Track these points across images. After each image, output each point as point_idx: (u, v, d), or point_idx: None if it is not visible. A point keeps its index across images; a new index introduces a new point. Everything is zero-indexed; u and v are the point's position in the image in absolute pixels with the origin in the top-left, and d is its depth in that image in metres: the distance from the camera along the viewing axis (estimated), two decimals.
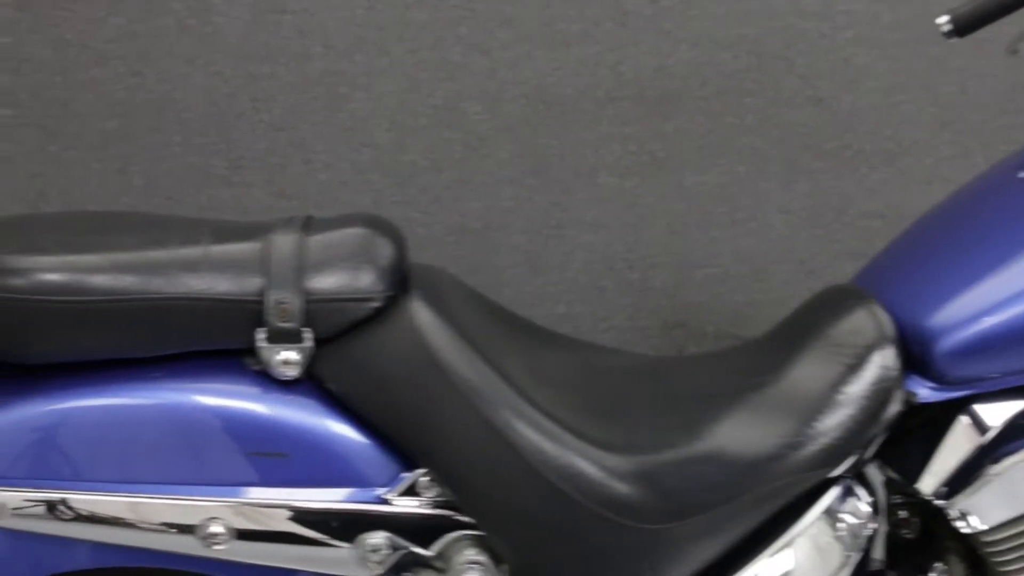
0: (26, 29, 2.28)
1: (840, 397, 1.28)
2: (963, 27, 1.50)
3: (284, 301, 1.17)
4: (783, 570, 1.30)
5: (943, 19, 1.49)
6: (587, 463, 1.20)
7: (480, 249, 2.37)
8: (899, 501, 1.37)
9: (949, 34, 1.50)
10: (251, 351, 1.20)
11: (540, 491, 1.20)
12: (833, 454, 1.27)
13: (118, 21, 2.29)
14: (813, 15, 2.31)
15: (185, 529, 1.19)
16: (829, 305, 1.36)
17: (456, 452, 1.20)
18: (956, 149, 2.37)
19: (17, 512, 1.18)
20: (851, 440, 1.28)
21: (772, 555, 1.29)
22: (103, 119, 2.33)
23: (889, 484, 1.37)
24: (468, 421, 1.19)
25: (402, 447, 1.21)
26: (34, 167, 2.35)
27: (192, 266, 1.18)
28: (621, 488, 1.20)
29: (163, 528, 1.19)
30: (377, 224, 1.24)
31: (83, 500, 1.18)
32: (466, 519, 1.22)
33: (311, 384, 1.21)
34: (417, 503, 1.21)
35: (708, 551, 1.27)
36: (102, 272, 1.17)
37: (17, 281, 1.16)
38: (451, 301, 1.26)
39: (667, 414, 1.29)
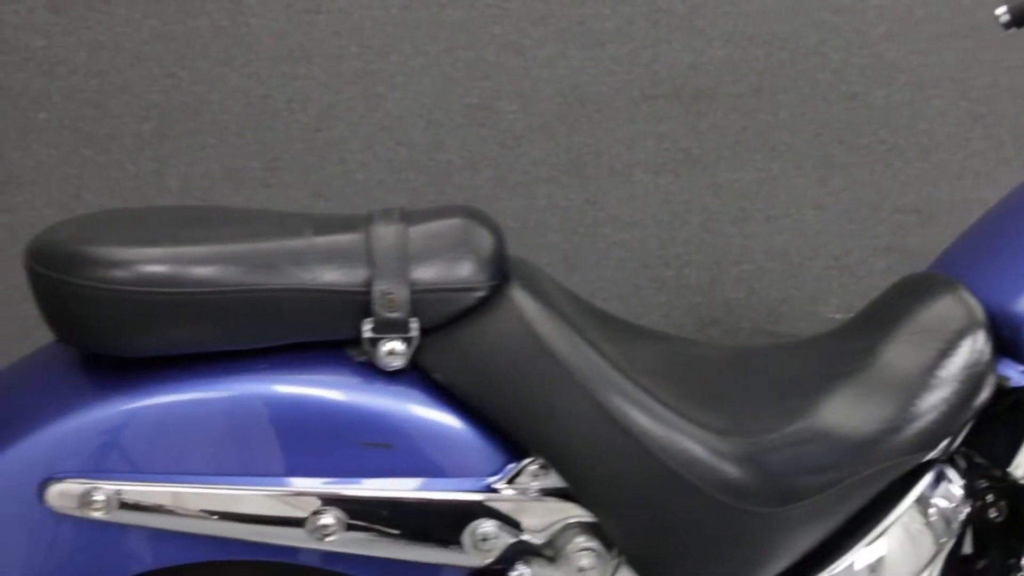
0: (60, 32, 2.28)
1: (934, 381, 1.28)
2: (1021, 18, 1.51)
3: (391, 291, 1.16)
4: (878, 558, 1.30)
5: (1001, 10, 1.50)
6: (701, 448, 1.20)
7: (517, 248, 2.31)
8: (984, 485, 1.37)
9: (1007, 25, 1.50)
10: (354, 342, 1.19)
11: (657, 476, 1.20)
12: (930, 437, 1.28)
13: (152, 23, 2.29)
14: (846, 10, 2.33)
15: (295, 522, 1.18)
16: (915, 291, 1.37)
17: (569, 439, 1.19)
18: (988, 143, 2.39)
19: (123, 506, 1.17)
20: (947, 424, 1.28)
21: (868, 544, 1.29)
22: (138, 121, 2.33)
23: (973, 468, 1.37)
24: (582, 407, 1.19)
25: (511, 435, 1.20)
26: (69, 170, 2.34)
27: (296, 257, 1.17)
28: (736, 472, 1.20)
29: (272, 520, 1.18)
30: (476, 214, 1.24)
31: (188, 493, 1.17)
32: (577, 506, 1.22)
33: (415, 374, 1.20)
34: (526, 491, 1.21)
35: (811, 538, 1.27)
36: (208, 264, 1.16)
37: (121, 273, 1.15)
38: (549, 291, 1.26)
39: (767, 400, 1.29)
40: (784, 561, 1.27)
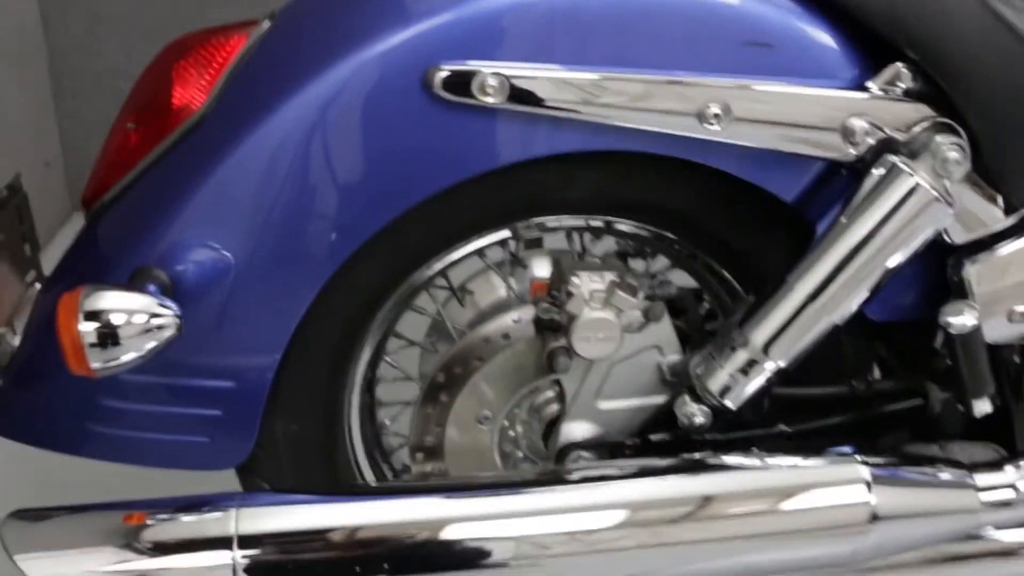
0: None
1: None
2: None
3: None
4: None
5: None
6: None
7: None
8: None
9: None
10: None
11: None
12: None
13: None
14: None
15: (684, 111, 1.17)
16: None
17: (952, 37, 1.20)
18: None
19: (514, 92, 1.14)
20: None
21: None
22: None
23: None
24: (966, 6, 1.19)
25: (888, 37, 1.20)
26: None
27: None
28: None
29: (662, 109, 1.17)
30: None
31: (580, 80, 1.16)
32: (933, 109, 1.22)
33: None
34: (894, 91, 1.21)
35: None
36: None
37: None
38: None
39: None
40: None
